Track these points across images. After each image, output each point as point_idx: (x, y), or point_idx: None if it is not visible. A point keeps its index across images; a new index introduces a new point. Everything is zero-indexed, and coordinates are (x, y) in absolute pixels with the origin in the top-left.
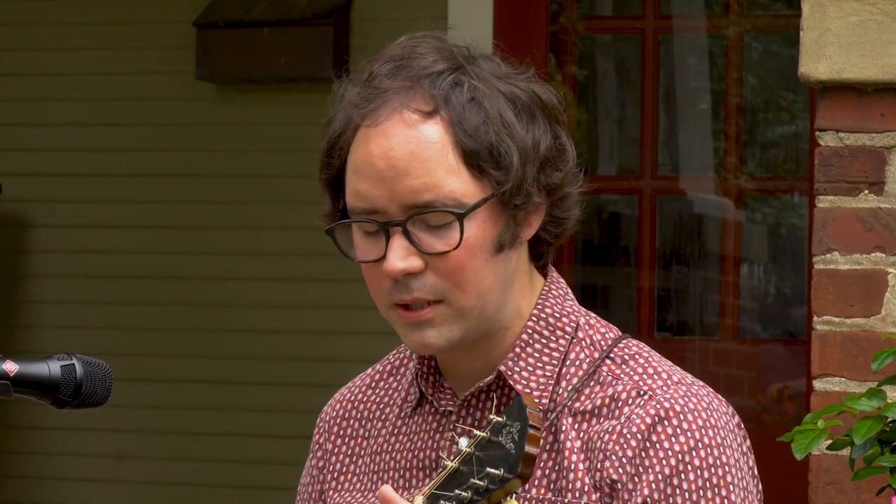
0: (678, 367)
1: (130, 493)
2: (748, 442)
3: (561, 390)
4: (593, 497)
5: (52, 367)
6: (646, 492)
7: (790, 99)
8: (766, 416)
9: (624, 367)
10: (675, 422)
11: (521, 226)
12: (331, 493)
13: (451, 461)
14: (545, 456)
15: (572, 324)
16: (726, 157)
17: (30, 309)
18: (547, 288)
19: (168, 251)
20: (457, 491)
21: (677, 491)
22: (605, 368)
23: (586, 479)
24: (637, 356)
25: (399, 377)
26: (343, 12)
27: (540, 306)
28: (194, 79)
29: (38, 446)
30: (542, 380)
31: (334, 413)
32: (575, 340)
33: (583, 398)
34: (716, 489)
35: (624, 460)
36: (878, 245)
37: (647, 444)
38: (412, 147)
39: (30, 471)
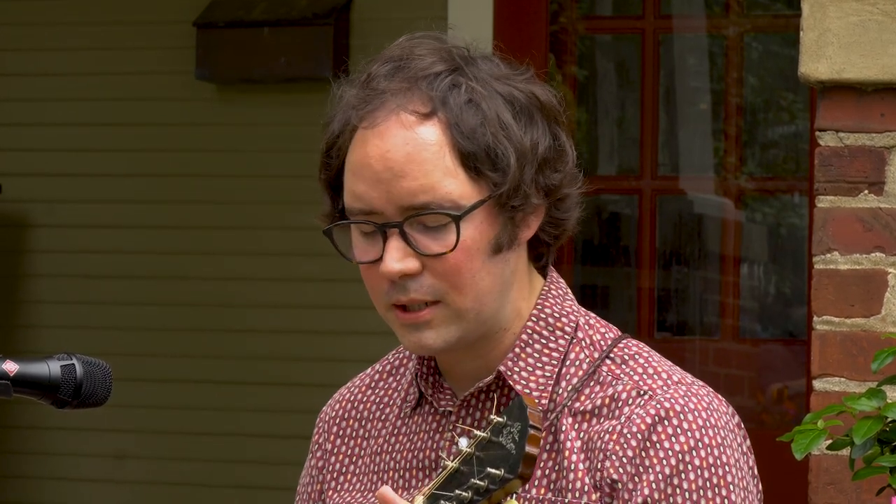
0: (678, 367)
1: (130, 493)
2: (748, 442)
3: (561, 390)
4: (593, 497)
5: (52, 367)
6: (646, 491)
7: (790, 99)
8: (766, 416)
9: (624, 366)
10: (675, 422)
11: (520, 227)
12: (330, 493)
13: (452, 461)
14: (545, 456)
15: (572, 324)
16: (726, 157)
17: (30, 309)
18: (546, 288)
19: (168, 251)
20: (457, 491)
21: (678, 491)
22: (604, 368)
23: (586, 479)
24: (637, 356)
25: (399, 377)
26: (343, 12)
27: (539, 306)
28: (194, 79)
29: (38, 446)
30: (541, 380)
31: (334, 413)
32: (575, 340)
33: (583, 398)
34: (716, 489)
35: (624, 460)
36: (877, 245)
37: (648, 443)
38: (409, 149)
39: (30, 471)
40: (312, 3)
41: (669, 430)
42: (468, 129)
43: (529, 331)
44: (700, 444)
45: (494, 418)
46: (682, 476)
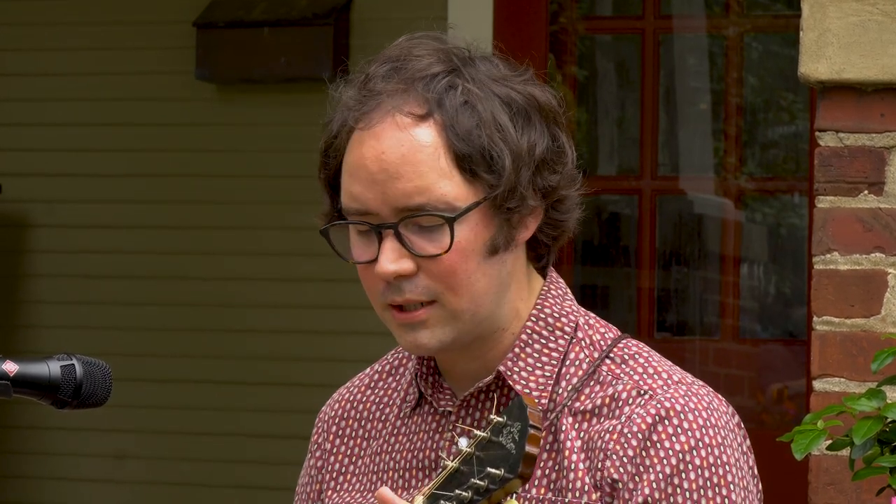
0: (678, 367)
1: (130, 493)
2: (748, 441)
3: (560, 390)
4: (594, 496)
5: (51, 368)
6: (647, 491)
7: (790, 99)
8: (766, 416)
9: (624, 366)
10: (675, 421)
11: (517, 228)
12: (329, 492)
13: (452, 461)
14: (545, 456)
15: (571, 324)
16: (726, 157)
17: (30, 309)
18: (546, 288)
19: (168, 251)
20: (457, 491)
21: (678, 490)
22: (604, 368)
23: (586, 479)
24: (637, 356)
25: (398, 377)
26: (343, 12)
27: (539, 307)
28: (194, 79)
29: (38, 446)
30: (541, 380)
31: (333, 413)
32: (574, 340)
33: (583, 398)
34: (716, 488)
35: (625, 460)
36: (877, 245)
37: (648, 443)
38: (404, 150)
39: (30, 471)
40: (312, 3)
41: (670, 430)
42: (464, 130)
43: (529, 331)
44: (700, 444)
45: (494, 418)
46: (683, 475)
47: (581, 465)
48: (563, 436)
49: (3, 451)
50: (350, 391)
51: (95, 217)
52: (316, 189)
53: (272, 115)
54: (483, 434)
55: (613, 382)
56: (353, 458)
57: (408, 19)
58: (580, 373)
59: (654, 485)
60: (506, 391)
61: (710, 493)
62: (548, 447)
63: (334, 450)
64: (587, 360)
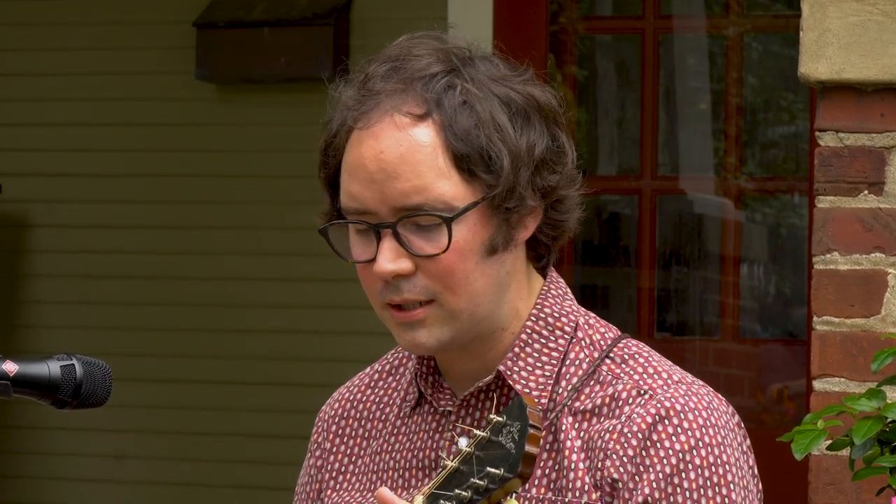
0: (678, 367)
1: (130, 493)
2: (748, 441)
3: (560, 390)
4: (594, 496)
5: (51, 368)
6: (647, 491)
7: (790, 99)
8: (766, 416)
9: (624, 366)
10: (675, 421)
11: (516, 228)
12: (329, 492)
13: (451, 461)
14: (545, 455)
15: (571, 323)
16: (726, 157)
17: (30, 309)
18: (546, 288)
19: (168, 251)
20: (457, 490)
21: (678, 490)
22: (604, 368)
23: (586, 479)
24: (637, 356)
25: (398, 377)
26: (343, 12)
27: (539, 306)
28: (194, 79)
29: (38, 446)
30: (541, 379)
31: (333, 412)
32: (574, 340)
33: (583, 397)
34: (717, 488)
35: (625, 459)
36: (877, 245)
37: (648, 443)
38: (402, 150)
39: (30, 471)
40: (312, 3)
41: (670, 430)
42: (462, 130)
43: (529, 330)
44: (700, 444)
45: (494, 418)
46: (683, 475)
47: (581, 465)
48: (563, 435)
49: (3, 451)
50: (350, 391)
51: (95, 217)
52: (316, 189)
53: (272, 115)
54: (483, 434)
55: (613, 382)
56: (353, 458)
57: (408, 19)
58: (580, 372)
59: (655, 484)
60: (506, 391)
61: (710, 493)
62: (548, 447)
63: (334, 449)
64: (587, 359)
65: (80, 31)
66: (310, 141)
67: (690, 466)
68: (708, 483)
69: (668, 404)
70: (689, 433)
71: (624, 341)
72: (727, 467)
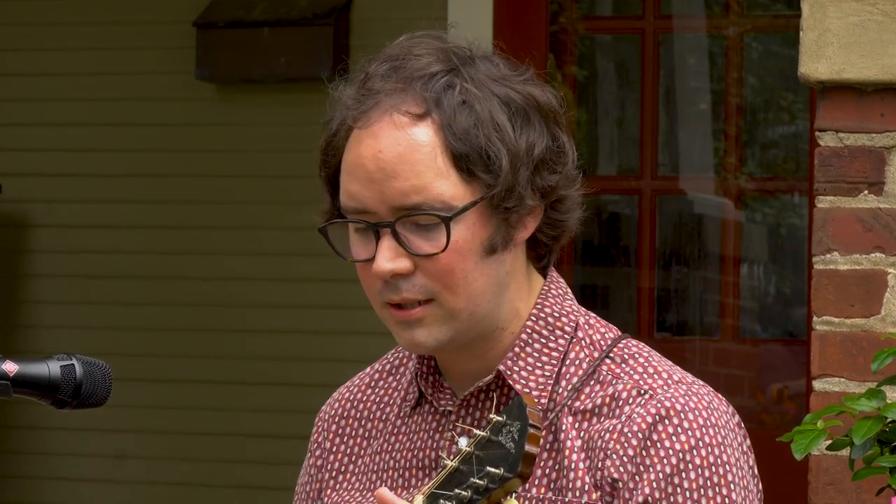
0: (678, 367)
1: (130, 493)
2: (748, 441)
3: (561, 389)
4: (594, 496)
5: (51, 368)
6: (647, 490)
7: (790, 99)
8: (766, 416)
9: (624, 366)
10: (675, 421)
11: (515, 228)
12: (328, 491)
13: (451, 460)
14: (545, 455)
15: (572, 323)
16: (726, 157)
17: (30, 309)
18: (546, 288)
19: (168, 251)
20: (457, 490)
21: (678, 490)
22: (604, 368)
23: (587, 478)
24: (637, 356)
25: (398, 376)
26: (343, 12)
27: (539, 306)
28: (194, 79)
29: (38, 446)
30: (541, 379)
31: (333, 412)
32: (574, 340)
33: (583, 397)
34: (717, 487)
35: (625, 459)
36: (877, 245)
37: (648, 442)
38: (401, 149)
39: (30, 471)
40: (312, 3)
41: (670, 430)
42: (461, 130)
43: (529, 330)
44: (701, 443)
45: (494, 417)
46: (683, 475)
47: (581, 465)
48: (563, 435)
49: (3, 451)
50: (350, 390)
51: (95, 217)
52: (316, 189)
53: (272, 115)
54: (483, 433)
55: (613, 382)
56: (353, 458)
57: (408, 19)
58: (580, 372)
59: (655, 484)
60: (506, 391)
61: (710, 493)
62: (548, 447)
63: (334, 449)
64: (587, 359)
65: (80, 31)
66: (310, 141)
67: (691, 466)
68: (708, 483)
69: (668, 404)
70: (690, 433)
71: (624, 341)
72: (727, 467)
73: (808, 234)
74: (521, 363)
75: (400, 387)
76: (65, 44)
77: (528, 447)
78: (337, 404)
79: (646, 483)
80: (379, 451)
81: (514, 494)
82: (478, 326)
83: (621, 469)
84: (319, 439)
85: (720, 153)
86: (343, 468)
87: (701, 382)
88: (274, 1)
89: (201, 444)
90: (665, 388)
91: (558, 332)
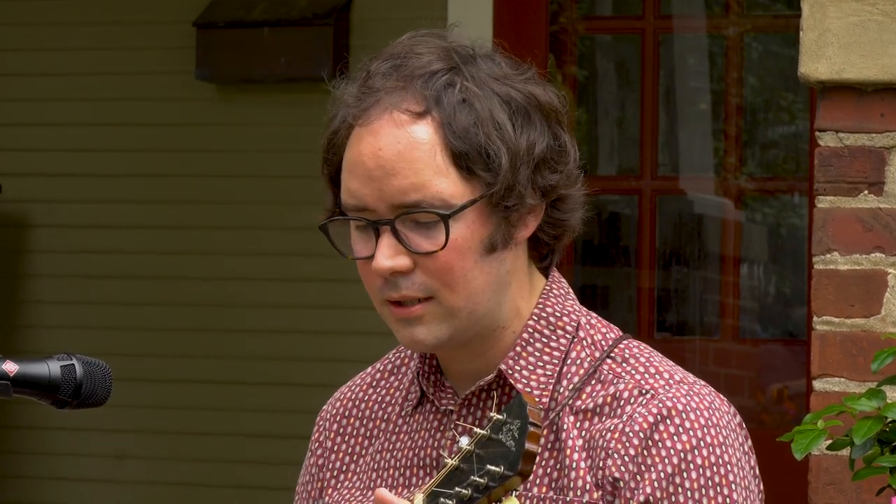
0: (679, 367)
1: (130, 493)
2: (750, 441)
3: (562, 389)
4: (595, 495)
5: (51, 368)
6: (648, 490)
7: (790, 99)
8: (766, 416)
9: (625, 365)
10: (677, 420)
11: (516, 227)
12: (329, 490)
13: (452, 459)
14: (546, 454)
15: (573, 323)
16: (726, 157)
17: (30, 309)
18: (548, 288)
19: (168, 251)
20: (457, 488)
21: (679, 490)
22: (606, 367)
23: (588, 478)
24: (638, 356)
25: (400, 376)
26: (343, 12)
27: (541, 306)
28: (194, 79)
29: (38, 446)
30: (542, 378)
31: (334, 411)
32: (576, 340)
33: (584, 397)
34: (718, 488)
35: (626, 458)
36: (877, 245)
37: (650, 442)
38: (400, 147)
39: (30, 471)
40: (312, 3)
41: (671, 429)
42: (461, 128)
43: (531, 329)
44: (702, 443)
45: (494, 416)
46: (685, 475)
47: (582, 464)
48: (564, 434)
49: (3, 451)
50: (352, 390)
51: (95, 217)
52: (316, 189)
53: (272, 115)
54: (483, 432)
55: (615, 381)
56: (354, 457)
57: (408, 19)
58: (581, 372)
59: (656, 484)
60: (507, 390)
61: (711, 493)
62: (549, 446)
63: (335, 448)
64: (588, 359)
65: (80, 31)
66: (310, 141)
67: (692, 466)
68: (709, 483)
69: (669, 404)
70: (691, 433)
71: (625, 342)
72: (729, 467)
73: (808, 234)
74: (523, 362)
75: (401, 386)
76: (65, 44)
77: (528, 445)
78: (338, 403)
79: (647, 483)
80: (380, 450)
81: (514, 493)
82: (478, 325)
83: (622, 468)
84: (321, 438)
85: (720, 153)
86: (344, 467)
87: (702, 382)
88: (274, 1)
89: (201, 444)
90: (667, 387)
91: (560, 332)
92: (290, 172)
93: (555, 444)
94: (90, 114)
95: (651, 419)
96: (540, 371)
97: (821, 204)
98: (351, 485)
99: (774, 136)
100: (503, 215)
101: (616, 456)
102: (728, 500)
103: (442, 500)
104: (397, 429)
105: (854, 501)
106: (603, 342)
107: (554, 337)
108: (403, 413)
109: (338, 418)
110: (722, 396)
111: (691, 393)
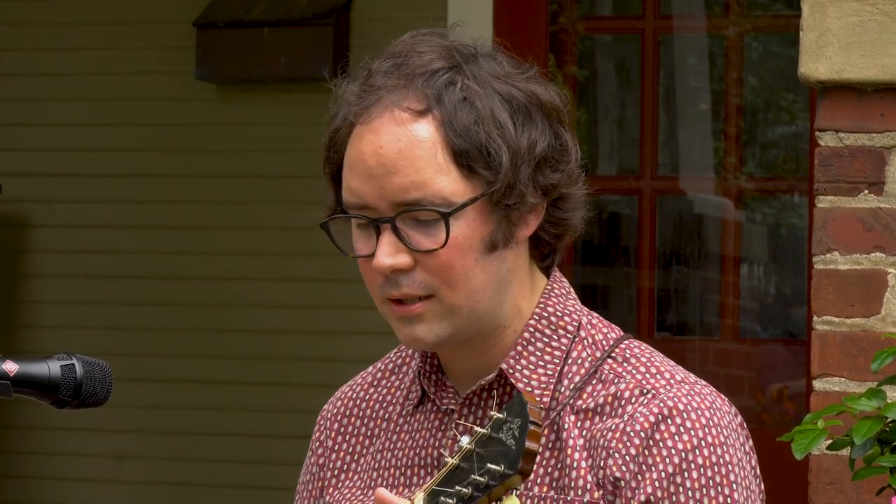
0: (680, 367)
1: (130, 493)
2: (751, 441)
3: (563, 388)
4: (596, 495)
5: (52, 367)
6: (649, 490)
7: (790, 99)
8: (766, 416)
9: (626, 365)
10: (678, 420)
11: (517, 225)
12: (330, 490)
13: (452, 458)
14: (547, 454)
15: (574, 323)
16: (726, 157)
17: (30, 309)
18: (549, 287)
19: (168, 251)
20: (457, 487)
21: (680, 489)
22: (606, 367)
23: (589, 477)
24: (639, 355)
25: (401, 375)
26: (343, 12)
27: (542, 305)
28: (194, 79)
29: (38, 446)
30: (543, 378)
31: (335, 410)
32: (577, 339)
33: (585, 396)
34: (719, 487)
35: (627, 458)
36: (877, 245)
37: (651, 442)
38: (401, 145)
39: (30, 471)
40: (312, 3)
41: (672, 429)
42: (461, 126)
43: (532, 329)
44: (703, 443)
45: (495, 415)
46: (685, 474)
47: (583, 464)
48: (565, 434)
49: (3, 451)
50: (353, 389)
51: (95, 217)
52: (316, 189)
53: (272, 115)
54: (484, 431)
55: (616, 381)
56: (355, 456)
57: (408, 19)
58: (582, 371)
59: (657, 483)
60: (508, 389)
61: (712, 493)
62: (550, 445)
63: (336, 447)
64: (589, 358)
65: (80, 31)
66: (310, 141)
67: (693, 466)
68: (710, 483)
69: (670, 404)
70: (692, 433)
71: (626, 341)
72: (730, 467)
73: (808, 234)
74: (524, 362)
75: (403, 385)
76: (65, 44)
77: (528, 444)
78: (339, 403)
79: (648, 482)
80: (381, 449)
81: (515, 491)
82: (478, 323)
83: (623, 468)
84: (321, 437)
85: (720, 153)
86: (345, 466)
87: (703, 382)
88: (274, 1)
89: (201, 444)
90: (668, 387)
91: (561, 332)
92: (290, 172)
93: (556, 443)
94: (90, 114)
95: (652, 419)
96: (541, 370)
97: (821, 204)
98: (352, 484)
99: (774, 136)
100: (504, 214)
101: (617, 455)
102: (729, 499)
103: (442, 498)
104: (398, 428)
105: (854, 501)
106: (604, 342)
107: (555, 336)
108: (404, 412)
109: (339, 417)
110: (723, 396)
111: (692, 393)
